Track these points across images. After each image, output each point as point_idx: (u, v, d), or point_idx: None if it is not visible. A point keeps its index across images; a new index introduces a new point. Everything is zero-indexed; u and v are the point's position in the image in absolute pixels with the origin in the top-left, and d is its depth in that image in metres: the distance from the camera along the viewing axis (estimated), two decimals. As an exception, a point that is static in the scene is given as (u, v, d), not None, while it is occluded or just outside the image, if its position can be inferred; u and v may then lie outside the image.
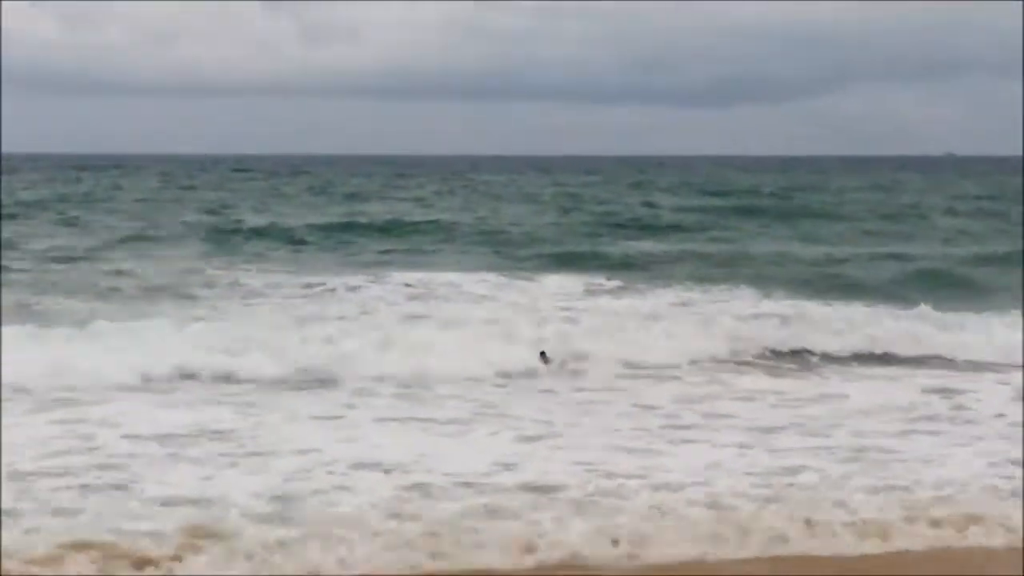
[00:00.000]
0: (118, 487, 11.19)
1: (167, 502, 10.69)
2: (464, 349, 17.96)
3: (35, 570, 9.02)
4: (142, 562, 9.22)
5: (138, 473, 11.68)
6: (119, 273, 27.52)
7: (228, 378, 16.62)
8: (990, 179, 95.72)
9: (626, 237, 39.83)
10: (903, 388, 16.87)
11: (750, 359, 18.88)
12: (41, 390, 15.42)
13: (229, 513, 10.35)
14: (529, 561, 9.56)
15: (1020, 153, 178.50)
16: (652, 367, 17.91)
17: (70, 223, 42.32)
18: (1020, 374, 17.56)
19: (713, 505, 10.88)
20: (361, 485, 11.38)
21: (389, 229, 41.56)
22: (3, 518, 10.04)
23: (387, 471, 11.89)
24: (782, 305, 23.63)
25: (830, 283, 27.80)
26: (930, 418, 14.94)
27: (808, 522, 10.44)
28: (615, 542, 9.89)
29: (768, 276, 28.20)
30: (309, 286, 25.93)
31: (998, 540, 10.30)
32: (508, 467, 12.14)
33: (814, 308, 22.98)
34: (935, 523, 10.56)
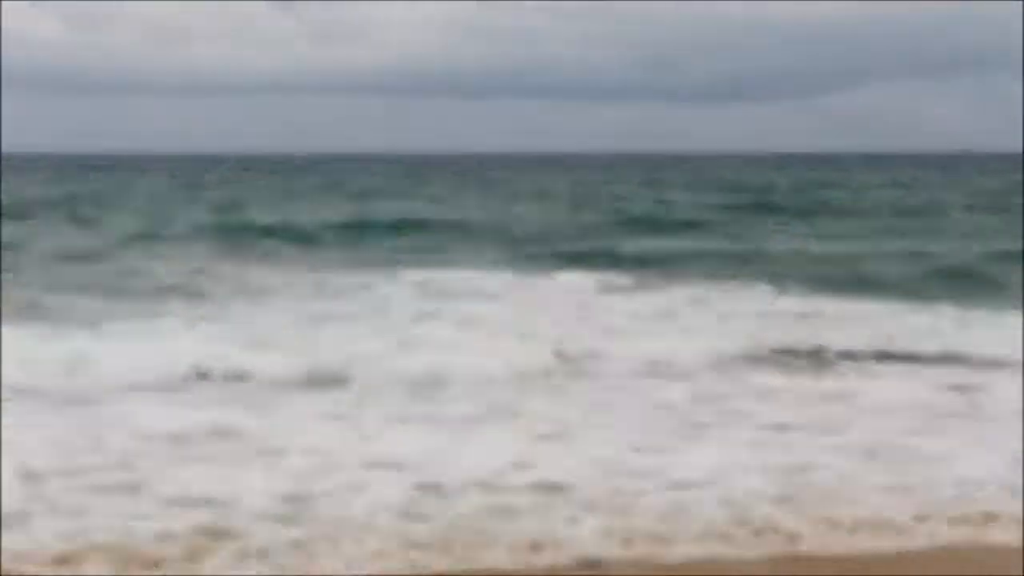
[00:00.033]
0: (129, 487, 11.15)
1: (178, 502, 10.65)
2: (477, 347, 17.95)
3: (46, 571, 8.98)
4: (153, 562, 9.17)
5: (149, 473, 11.64)
6: (129, 272, 27.56)
7: (239, 377, 16.61)
8: (1008, 175, 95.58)
9: (640, 234, 39.80)
10: (920, 385, 16.78)
11: (766, 356, 18.79)
12: (52, 389, 15.40)
13: (241, 513, 10.30)
14: (541, 561, 9.49)
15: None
16: (667, 365, 17.83)
17: (79, 222, 42.39)
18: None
19: (728, 503, 10.81)
20: (373, 484, 11.31)
21: (401, 227, 41.60)
22: (12, 519, 9.98)
23: (400, 470, 11.84)
24: (798, 302, 23.61)
25: (847, 280, 27.74)
26: (947, 415, 14.85)
27: (823, 520, 10.37)
28: (628, 541, 9.82)
29: (784, 273, 28.11)
30: (321, 284, 25.94)
31: (1015, 538, 10.19)
32: (521, 466, 12.06)
33: (831, 305, 22.96)
34: (951, 521, 10.48)
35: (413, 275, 27.37)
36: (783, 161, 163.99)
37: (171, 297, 23.23)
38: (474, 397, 15.68)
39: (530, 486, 11.32)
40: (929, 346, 19.42)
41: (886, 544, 10.01)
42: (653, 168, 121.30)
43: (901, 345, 19.48)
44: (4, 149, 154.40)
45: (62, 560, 9.11)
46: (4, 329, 17.50)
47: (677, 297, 24.35)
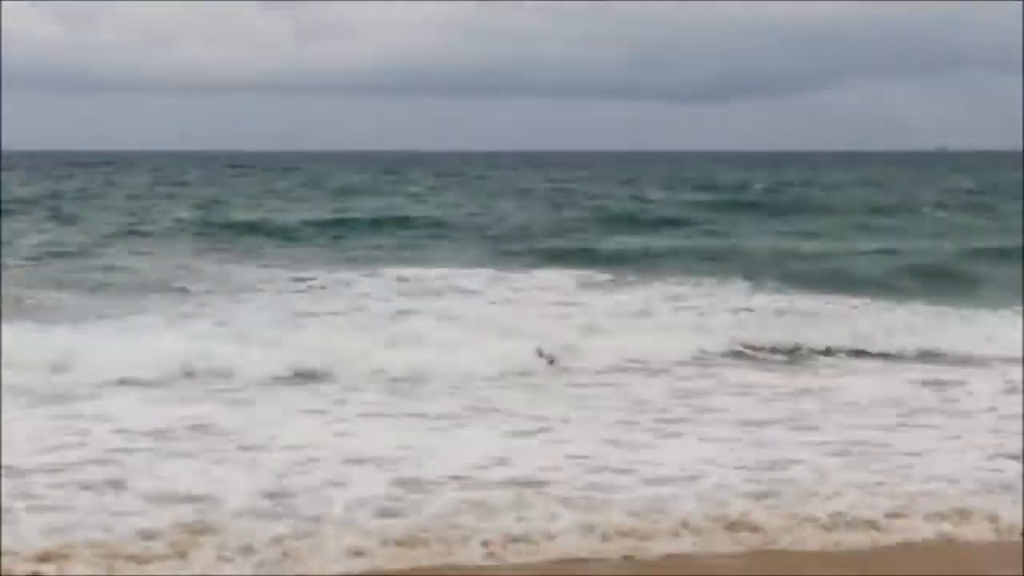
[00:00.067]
0: (113, 483, 11.20)
1: (162, 498, 10.71)
2: (457, 344, 17.99)
3: (31, 568, 9.01)
4: (137, 560, 9.21)
5: (133, 469, 11.70)
6: (112, 269, 27.53)
7: (221, 373, 16.60)
8: (981, 173, 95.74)
9: (618, 232, 39.83)
10: (895, 382, 16.91)
11: (742, 353, 18.91)
12: (35, 386, 15.45)
13: (223, 510, 10.38)
14: (519, 557, 9.55)
15: (1015, 147, 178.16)
16: (644, 361, 17.92)
17: (63, 219, 42.30)
18: (1012, 368, 17.61)
19: (704, 500, 10.90)
20: (354, 481, 11.40)
21: (382, 224, 41.56)
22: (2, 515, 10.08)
23: (380, 466, 11.91)
24: (775, 299, 23.69)
25: (822, 277, 27.84)
26: (922, 412, 14.96)
27: (798, 516, 10.45)
28: (605, 537, 9.90)
29: (760, 270, 28.20)
30: (301, 281, 25.96)
31: (989, 534, 10.31)
32: (500, 462, 12.16)
33: (807, 302, 23.07)
34: (926, 517, 10.55)
35: (394, 272, 27.42)
36: (761, 160, 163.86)
37: (154, 294, 23.21)
38: (454, 394, 15.76)
39: (508, 482, 11.40)
40: (904, 343, 19.54)
41: (861, 540, 10.07)
42: (632, 167, 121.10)
43: (876, 342, 19.59)
44: (4, 148, 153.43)
45: (46, 558, 9.15)
46: None
47: (655, 294, 24.44)
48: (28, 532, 9.70)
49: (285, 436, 13.12)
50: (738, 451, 12.75)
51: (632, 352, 18.17)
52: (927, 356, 19.01)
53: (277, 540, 9.57)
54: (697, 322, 20.39)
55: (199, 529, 9.82)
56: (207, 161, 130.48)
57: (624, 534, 9.97)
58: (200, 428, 13.47)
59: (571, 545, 9.74)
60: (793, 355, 19.00)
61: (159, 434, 13.13)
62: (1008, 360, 18.27)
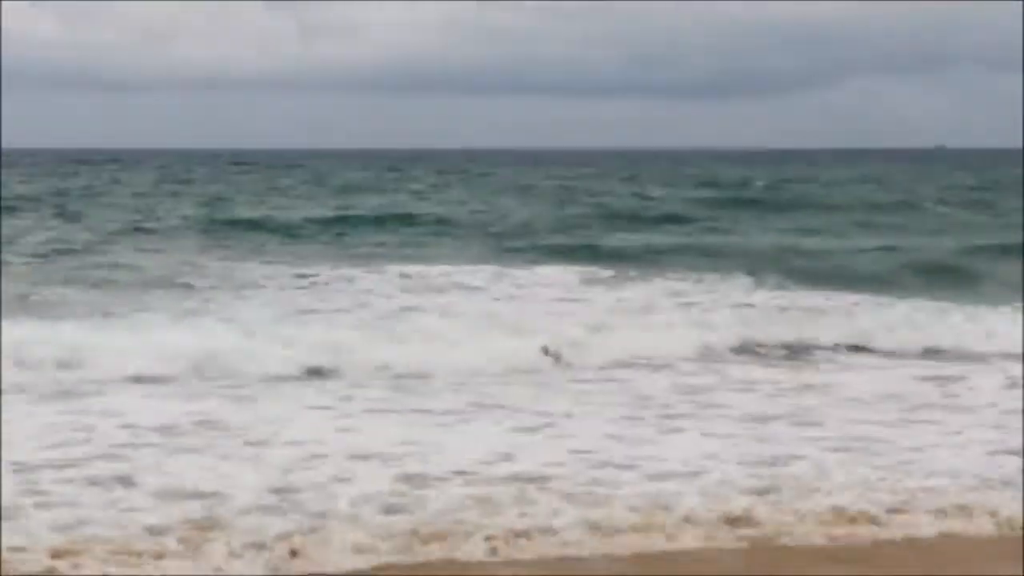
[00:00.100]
0: (121, 479, 11.26)
1: (170, 495, 10.77)
2: (460, 340, 18.05)
3: (45, 565, 9.03)
4: (147, 555, 9.24)
5: (140, 465, 11.77)
6: (116, 266, 27.58)
7: (225, 370, 16.64)
8: (980, 171, 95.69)
9: (620, 228, 39.88)
10: (896, 378, 16.97)
11: (745, 349, 18.96)
12: (42, 382, 15.52)
13: (230, 506, 10.44)
14: (523, 552, 9.59)
15: (1015, 145, 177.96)
16: (647, 357, 17.98)
17: (68, 216, 42.35)
18: (1013, 364, 17.67)
19: (706, 495, 10.96)
20: (359, 477, 11.46)
21: (384, 221, 41.60)
22: (6, 512, 10.10)
23: (385, 462, 11.97)
24: (777, 295, 23.76)
25: (823, 273, 27.89)
26: (923, 407, 15.02)
27: (800, 512, 10.50)
28: (608, 533, 9.94)
29: (762, 267, 28.25)
30: (304, 277, 26.00)
31: (990, 530, 10.35)
32: (504, 457, 12.23)
33: (808, 298, 23.12)
34: (927, 513, 10.58)
35: (397, 269, 27.47)
36: (762, 157, 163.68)
37: (158, 290, 23.29)
38: (457, 390, 15.82)
39: (512, 478, 11.46)
40: (905, 339, 19.59)
41: (863, 536, 10.10)
42: (634, 164, 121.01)
43: (878, 338, 19.65)
44: (4, 146, 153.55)
45: (59, 554, 9.17)
46: None
47: (657, 290, 24.52)
48: (39, 528, 9.75)
49: (290, 432, 13.20)
50: (741, 446, 12.82)
51: (635, 348, 18.23)
52: (928, 352, 19.07)
53: (285, 536, 9.62)
54: (700, 318, 20.44)
55: (208, 525, 9.87)
56: (211, 159, 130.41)
57: (627, 530, 10.01)
58: (206, 424, 13.54)
59: (574, 541, 9.78)
60: (795, 351, 19.06)
61: (165, 430, 13.21)
62: (1009, 356, 18.33)
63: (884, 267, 29.76)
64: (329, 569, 9.15)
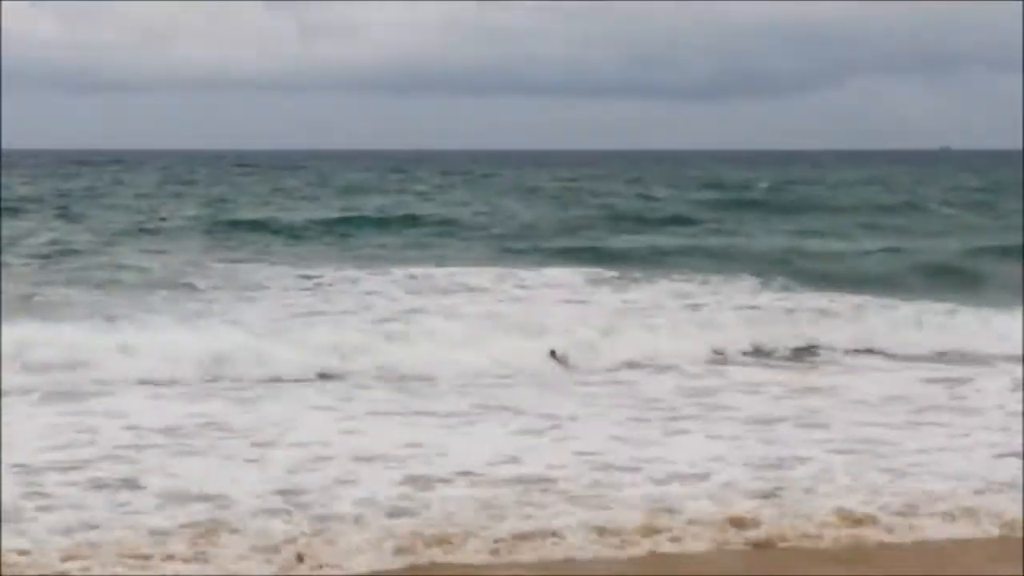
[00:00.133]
0: (126, 481, 11.27)
1: (175, 497, 10.76)
2: (465, 342, 18.04)
3: (55, 568, 9.03)
4: (156, 558, 9.22)
5: (145, 467, 11.77)
6: (119, 267, 27.54)
7: (229, 371, 16.65)
8: (986, 172, 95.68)
9: (625, 230, 39.86)
10: (902, 380, 16.94)
11: (750, 351, 18.94)
12: (45, 384, 15.50)
13: (235, 508, 10.43)
14: (527, 555, 9.57)
15: (1016, 147, 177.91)
16: (652, 359, 17.97)
17: (71, 217, 42.33)
18: (1018, 366, 17.64)
19: (711, 497, 10.95)
20: (364, 478, 11.46)
21: (389, 223, 41.57)
22: (11, 515, 10.09)
23: (389, 464, 11.97)
24: (782, 297, 23.73)
25: (828, 275, 27.84)
26: (929, 409, 14.99)
27: (805, 514, 10.48)
28: (613, 535, 9.92)
29: (767, 268, 28.21)
30: (308, 279, 25.96)
31: (995, 532, 10.33)
32: (509, 459, 12.22)
33: (813, 300, 23.07)
34: (934, 516, 10.58)
35: (402, 270, 27.44)
36: (766, 159, 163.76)
37: (162, 292, 23.25)
38: (462, 391, 15.82)
39: (517, 480, 11.46)
40: (911, 341, 19.58)
41: (868, 538, 10.09)
42: (638, 166, 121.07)
43: (884, 340, 19.63)
44: (4, 147, 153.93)
45: (69, 558, 9.17)
46: None
47: (663, 292, 24.47)
48: (44, 531, 9.74)
49: (295, 434, 13.20)
50: (746, 449, 12.80)
51: (641, 350, 18.22)
52: (934, 354, 19.04)
53: (291, 539, 9.62)
54: (705, 320, 20.40)
55: (214, 528, 9.87)
56: (214, 160, 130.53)
57: (632, 532, 9.99)
58: (211, 426, 13.55)
59: (579, 543, 9.76)
60: (800, 353, 19.05)
61: (170, 431, 13.20)
62: (1015, 358, 18.29)
63: (890, 269, 29.70)
64: (335, 572, 9.12)
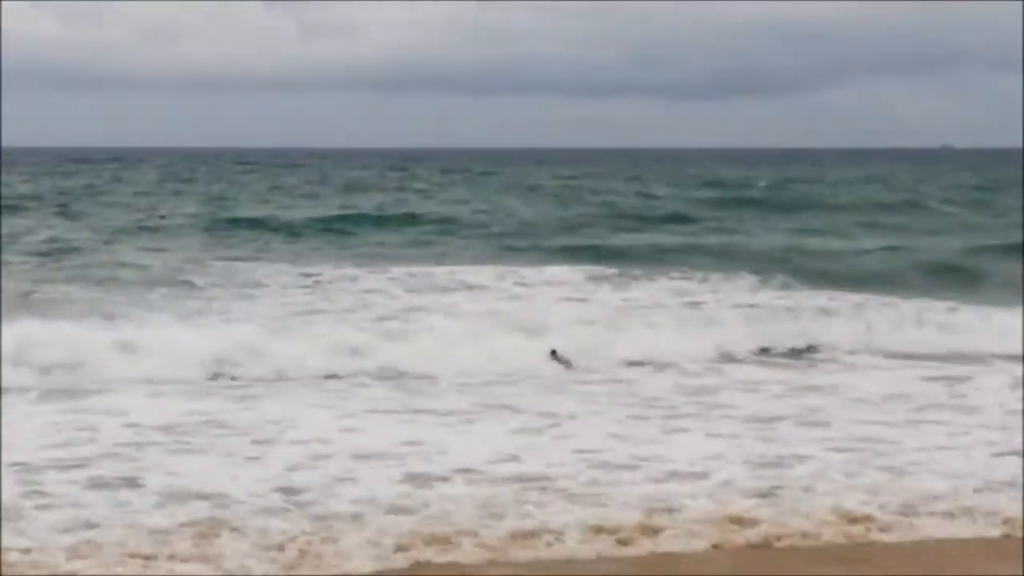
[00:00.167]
0: (126, 480, 11.26)
1: (175, 495, 10.75)
2: (465, 340, 18.02)
3: (58, 567, 9.02)
4: (155, 558, 9.21)
5: (145, 465, 11.76)
6: (119, 265, 27.55)
7: (228, 369, 16.67)
8: (985, 171, 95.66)
9: (625, 228, 39.87)
10: (902, 378, 16.95)
11: (750, 349, 18.92)
12: (45, 382, 15.50)
13: (236, 506, 10.43)
14: (526, 553, 9.56)
15: (1016, 145, 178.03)
16: (652, 358, 17.96)
17: (70, 215, 42.33)
18: (1018, 364, 17.63)
19: (710, 496, 10.94)
20: (363, 477, 11.46)
21: (388, 221, 41.56)
22: (11, 513, 10.09)
23: (388, 462, 11.96)
24: (781, 295, 23.73)
25: (828, 273, 27.84)
26: (929, 408, 14.98)
27: (805, 513, 10.47)
28: (611, 533, 9.91)
29: (767, 267, 28.21)
30: (307, 276, 25.97)
31: (996, 530, 10.31)
32: (509, 458, 12.21)
33: (813, 298, 23.08)
34: (933, 514, 10.56)
35: (401, 268, 27.42)
36: (766, 157, 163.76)
37: (161, 290, 23.25)
38: (462, 390, 15.82)
39: (516, 478, 11.45)
40: (911, 339, 19.57)
41: (868, 537, 10.07)
42: (638, 164, 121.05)
43: (884, 338, 19.62)
44: (4, 145, 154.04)
45: (72, 556, 9.16)
46: None
47: (663, 290, 24.50)
48: (45, 530, 9.73)
49: (295, 432, 13.19)
50: (745, 447, 12.79)
51: (641, 348, 18.21)
52: (935, 352, 19.02)
53: (292, 538, 9.60)
54: (705, 318, 20.41)
55: (215, 527, 9.86)
56: (213, 158, 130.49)
57: (630, 530, 9.97)
58: (211, 423, 13.55)
59: (578, 542, 9.75)
60: (800, 351, 19.03)
61: (170, 429, 13.20)
62: (1016, 357, 18.28)
63: (890, 267, 29.70)
64: (335, 571, 9.12)
